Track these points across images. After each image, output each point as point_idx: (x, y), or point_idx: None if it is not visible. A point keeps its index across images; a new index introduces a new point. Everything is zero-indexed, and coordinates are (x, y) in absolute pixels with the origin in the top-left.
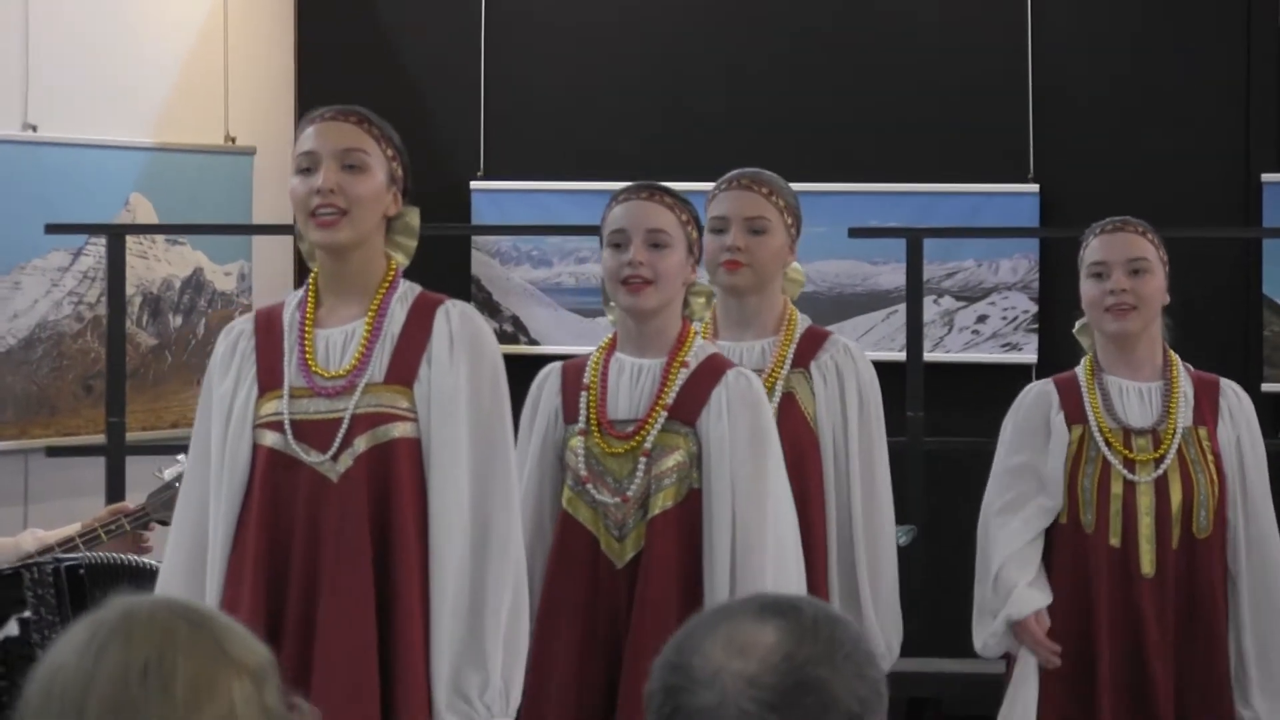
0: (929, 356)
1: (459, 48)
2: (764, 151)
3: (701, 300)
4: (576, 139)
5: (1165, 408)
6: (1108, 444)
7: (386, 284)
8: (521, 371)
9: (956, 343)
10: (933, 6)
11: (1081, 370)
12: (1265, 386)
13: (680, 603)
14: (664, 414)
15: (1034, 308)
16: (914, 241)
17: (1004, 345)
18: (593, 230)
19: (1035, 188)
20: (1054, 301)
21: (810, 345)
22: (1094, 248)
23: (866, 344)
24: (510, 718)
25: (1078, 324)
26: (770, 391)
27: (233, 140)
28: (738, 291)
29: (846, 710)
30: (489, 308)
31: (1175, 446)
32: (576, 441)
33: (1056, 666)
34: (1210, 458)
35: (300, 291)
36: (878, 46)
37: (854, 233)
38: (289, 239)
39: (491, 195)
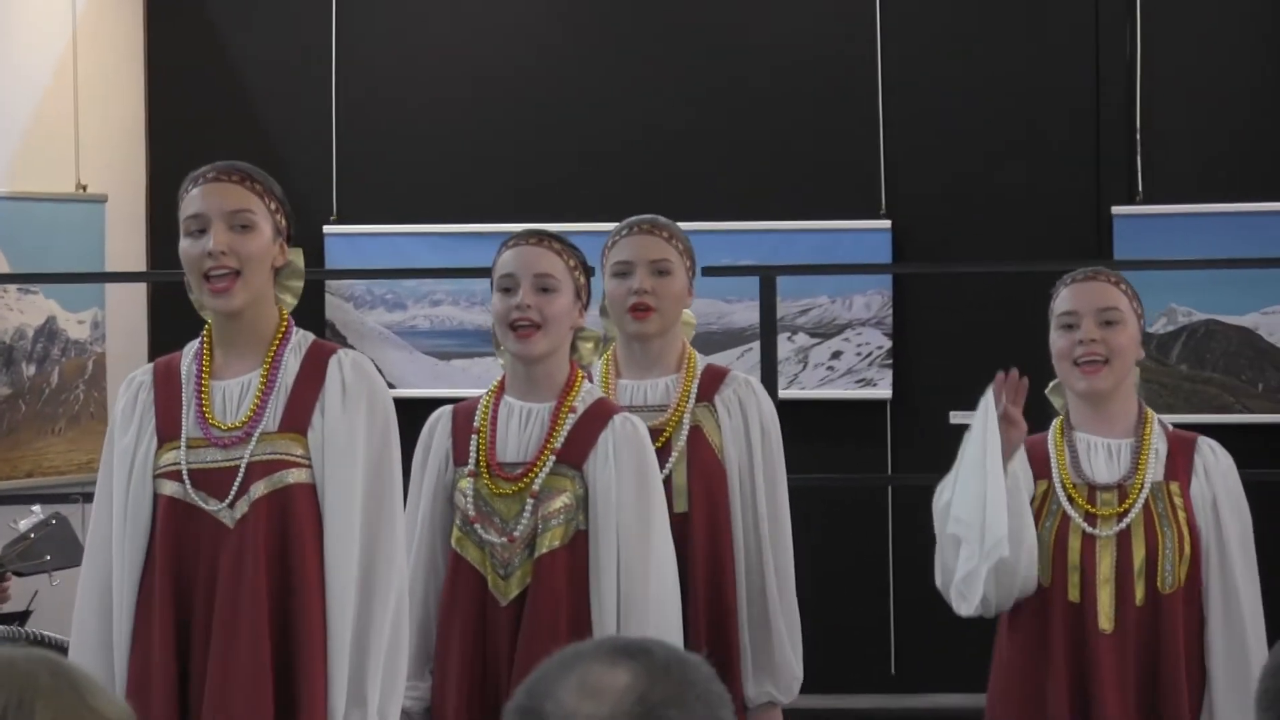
0: (784, 394)
1: (310, 93)
2: (617, 192)
3: (590, 345)
4: (430, 182)
5: (1134, 463)
6: (1069, 499)
7: (280, 335)
8: None
9: (811, 379)
10: (782, 46)
11: (1052, 431)
12: None
13: (566, 640)
14: (552, 457)
15: (888, 343)
16: (767, 279)
17: (859, 381)
18: (449, 273)
19: (887, 224)
20: (907, 337)
21: (711, 381)
22: (1064, 298)
23: None
24: None
25: (1050, 385)
26: (678, 425)
27: (84, 188)
28: (645, 337)
29: None
30: None
31: (1141, 501)
32: (465, 483)
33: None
34: (1181, 514)
35: (196, 343)
36: (728, 87)
37: (707, 271)
38: (142, 286)
39: (345, 239)
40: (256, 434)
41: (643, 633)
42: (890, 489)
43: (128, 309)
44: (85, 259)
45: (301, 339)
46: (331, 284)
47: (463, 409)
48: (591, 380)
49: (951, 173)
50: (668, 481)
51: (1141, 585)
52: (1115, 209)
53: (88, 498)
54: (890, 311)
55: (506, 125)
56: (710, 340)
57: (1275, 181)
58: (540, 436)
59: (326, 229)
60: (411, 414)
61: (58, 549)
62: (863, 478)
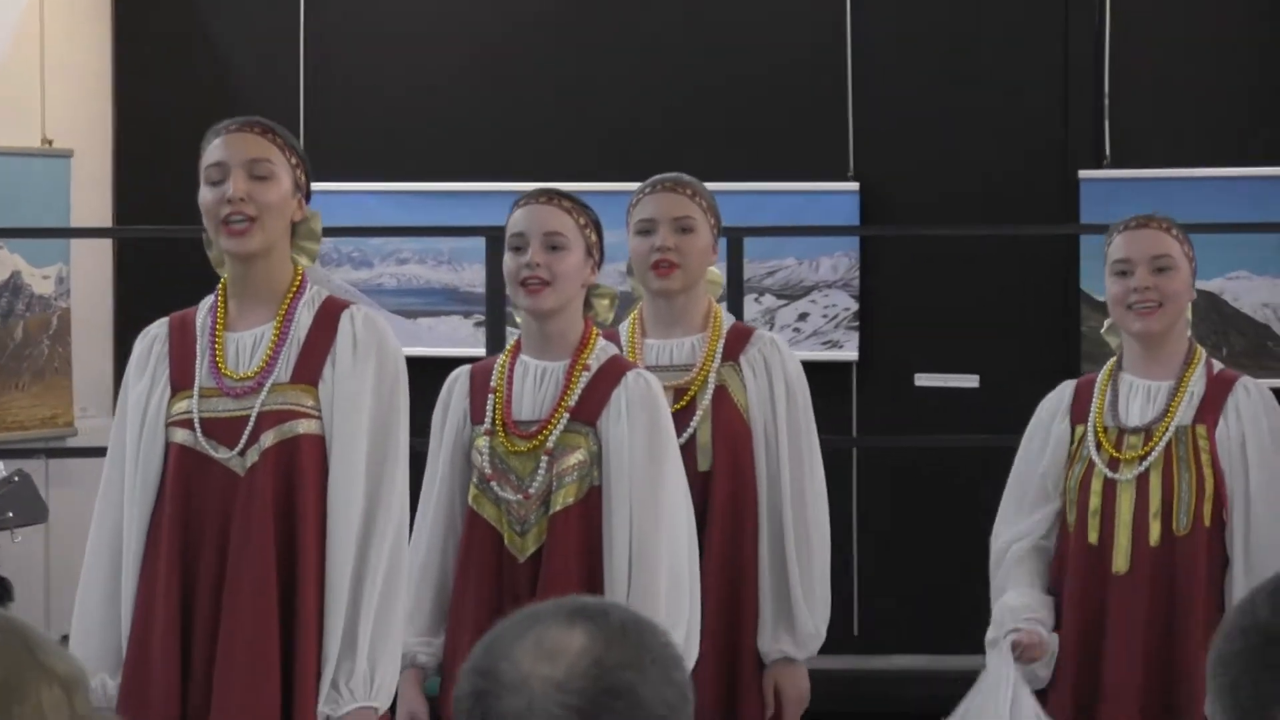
0: None
1: (279, 50)
2: (587, 153)
3: (605, 302)
4: (397, 140)
5: (1166, 406)
6: (1097, 444)
7: (294, 289)
8: None
9: None
10: (752, 8)
11: (1103, 372)
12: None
13: (581, 594)
14: (566, 415)
15: (854, 305)
16: (734, 240)
17: (825, 343)
18: (416, 231)
19: (855, 186)
20: (874, 299)
21: (737, 340)
22: (1118, 245)
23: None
24: (376, 702)
25: (1105, 324)
26: (703, 384)
27: (50, 143)
28: (669, 294)
29: (654, 714)
30: None
31: (1163, 444)
32: (482, 441)
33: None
34: (1205, 456)
35: (211, 297)
36: (698, 48)
37: None
38: (108, 242)
39: (313, 198)
40: (268, 384)
41: (655, 588)
42: (855, 451)
43: (92, 264)
44: (51, 214)
45: (315, 294)
46: None
47: (480, 368)
48: (619, 343)
49: (919, 136)
50: (692, 440)
51: (1157, 527)
52: (1082, 173)
53: (52, 454)
54: (857, 274)
55: (474, 84)
56: None
57: (1241, 146)
58: (555, 395)
59: None
60: None
61: (20, 506)
62: (828, 439)
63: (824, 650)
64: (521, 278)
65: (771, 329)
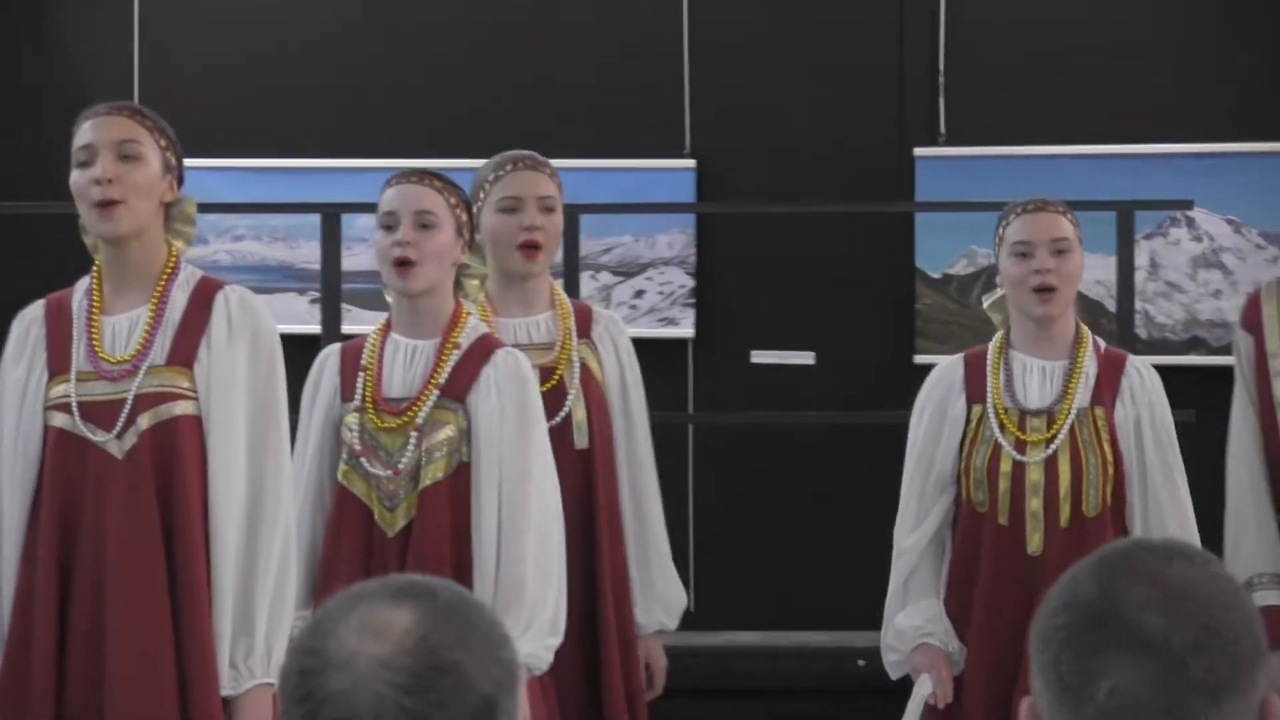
0: None
1: (112, 26)
2: (422, 130)
3: (475, 282)
4: (232, 117)
5: (1064, 388)
6: (1001, 426)
7: (168, 271)
8: None
9: None
10: None
11: (992, 348)
12: (918, 358)
13: (451, 569)
14: (436, 392)
15: (691, 282)
16: (570, 217)
17: (661, 320)
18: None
19: (692, 163)
20: (710, 276)
21: (583, 318)
22: (1016, 227)
23: None
24: (273, 678)
25: (988, 300)
26: (568, 362)
27: None
28: (531, 275)
29: (481, 693)
30: None
31: (1067, 427)
32: (352, 418)
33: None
34: (1106, 437)
35: (86, 280)
36: (533, 24)
37: None
38: None
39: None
40: (144, 367)
41: (523, 562)
42: (691, 428)
43: None
44: None
45: (190, 275)
46: None
47: (350, 347)
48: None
49: (756, 113)
50: (567, 419)
51: (1067, 509)
52: (918, 150)
53: None
54: (694, 251)
55: (312, 60)
56: None
57: (1076, 125)
58: (425, 372)
59: None
60: None
61: None
62: (665, 416)
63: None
64: (392, 256)
65: (608, 306)
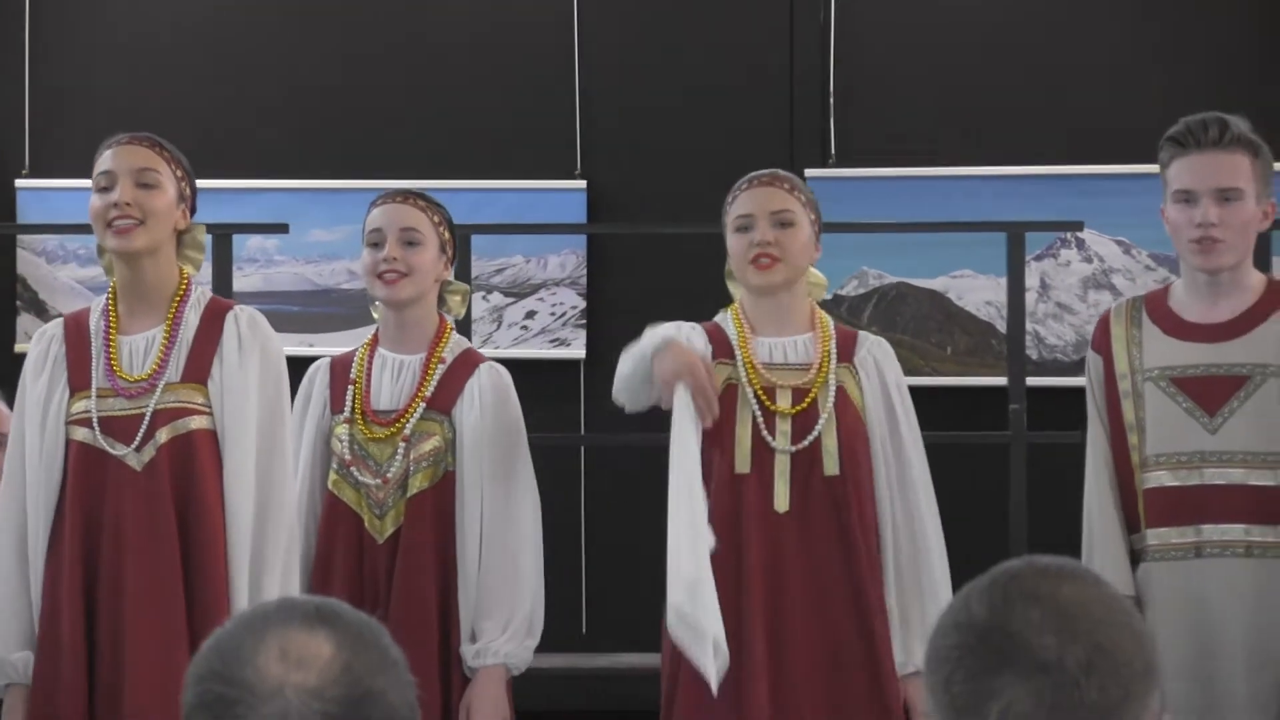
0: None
1: (3, 42)
2: (312, 147)
3: (458, 298)
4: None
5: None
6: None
7: (181, 293)
8: None
9: (506, 338)
10: (482, 3)
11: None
12: None
13: (437, 573)
14: (423, 404)
15: (582, 303)
16: (462, 238)
17: (553, 340)
18: None
19: (583, 184)
20: (602, 297)
21: (846, 341)
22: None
23: None
24: None
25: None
26: (823, 385)
27: None
28: (771, 290)
29: (400, 717)
30: (35, 307)
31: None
32: (342, 429)
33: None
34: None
35: (102, 300)
36: (425, 44)
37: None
38: None
39: (37, 193)
40: (161, 384)
41: (506, 566)
42: (583, 449)
43: None
44: None
45: (200, 295)
46: (23, 238)
47: (339, 361)
48: (724, 337)
49: (647, 134)
50: (816, 443)
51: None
52: (808, 171)
53: None
54: (584, 272)
55: (201, 78)
56: None
57: (966, 147)
58: (412, 385)
59: (18, 182)
60: None
61: None
62: (557, 438)
63: (553, 648)
64: (379, 270)
65: (499, 327)
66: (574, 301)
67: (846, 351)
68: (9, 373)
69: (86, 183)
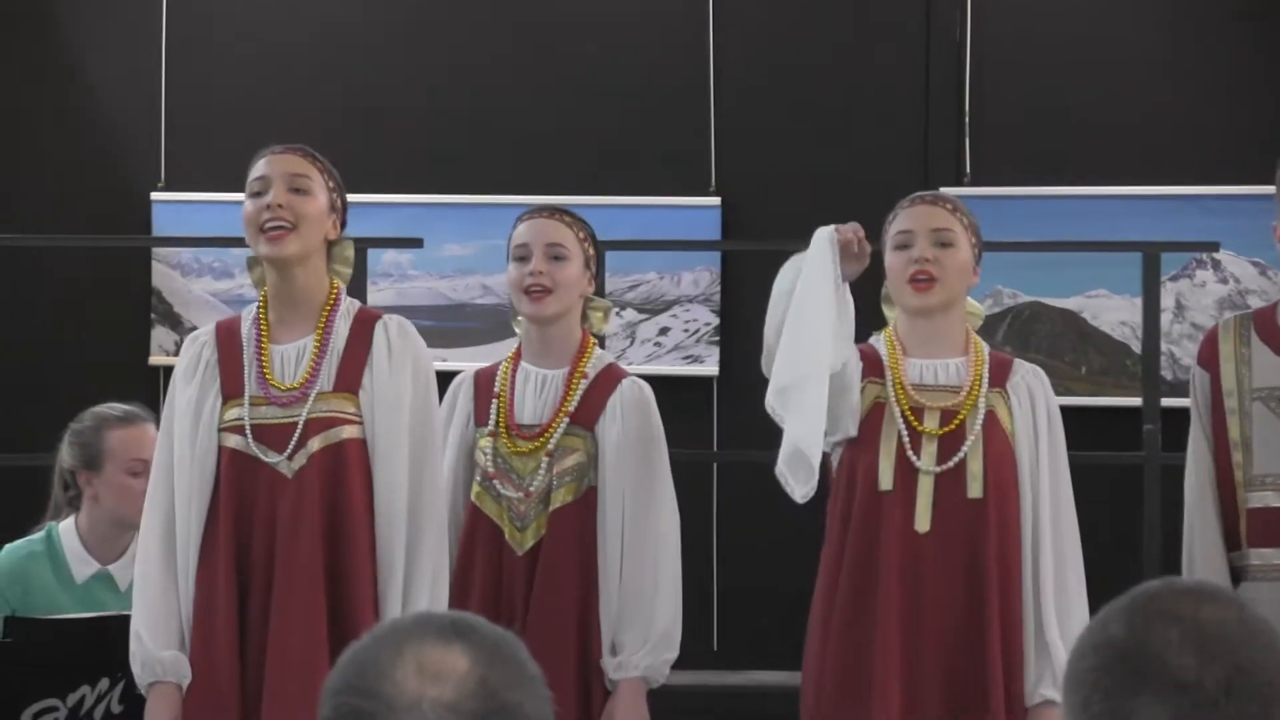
0: None
1: (140, 55)
2: (446, 162)
3: (599, 314)
4: (258, 150)
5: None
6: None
7: (331, 302)
8: None
9: (639, 355)
10: (615, 21)
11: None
12: None
13: (577, 586)
14: (566, 419)
15: (715, 320)
16: (597, 254)
17: (686, 357)
18: None
19: (717, 201)
20: (735, 314)
21: (1000, 367)
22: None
23: None
24: None
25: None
26: (973, 408)
27: None
28: (928, 311)
29: None
30: (170, 319)
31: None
32: (486, 442)
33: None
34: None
35: (253, 309)
36: (561, 60)
37: None
38: None
39: (173, 206)
40: (313, 393)
41: (645, 580)
42: (716, 466)
43: None
44: None
45: (350, 305)
46: (159, 251)
47: (484, 374)
48: (877, 357)
49: (781, 151)
50: (961, 465)
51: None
52: (943, 190)
53: None
54: (718, 289)
55: (335, 92)
56: None
57: (1102, 166)
58: (555, 401)
59: (154, 195)
60: None
61: None
62: (690, 454)
63: (684, 666)
64: (525, 285)
65: (632, 343)
66: (707, 318)
67: (1000, 377)
68: (146, 384)
69: (221, 196)
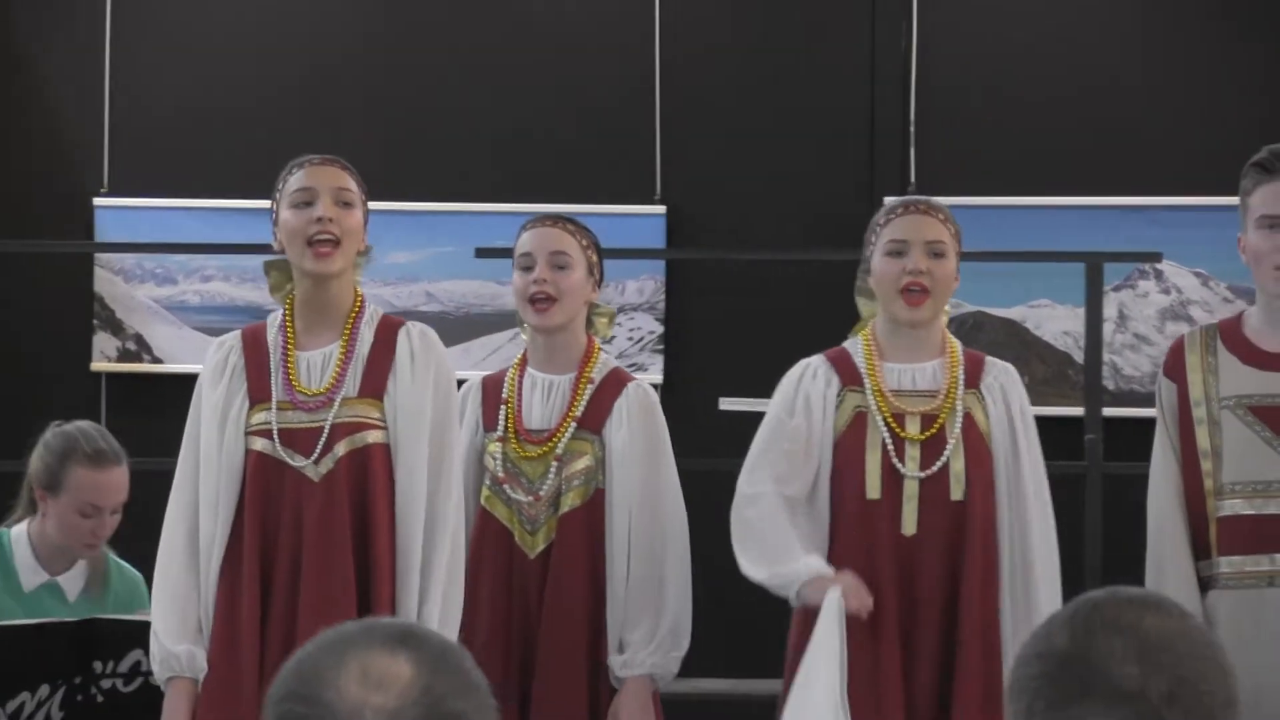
0: None
1: (84, 60)
2: (392, 169)
3: (604, 320)
4: (203, 156)
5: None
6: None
7: (356, 310)
8: (146, 389)
9: None
10: (560, 29)
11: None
12: None
13: (587, 587)
14: (574, 424)
15: (660, 328)
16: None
17: (630, 365)
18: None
19: (662, 209)
20: (680, 322)
21: (974, 367)
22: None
23: (493, 364)
24: None
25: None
26: (952, 412)
27: None
28: (918, 324)
29: None
30: (112, 325)
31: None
32: (495, 447)
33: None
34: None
35: (278, 315)
36: (507, 67)
37: (480, 253)
38: None
39: (115, 212)
40: (339, 399)
41: (653, 582)
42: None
43: None
44: None
45: (373, 313)
46: (101, 256)
47: (491, 380)
48: (851, 362)
49: (727, 160)
50: (944, 469)
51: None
52: (888, 199)
53: None
54: (663, 297)
55: (282, 101)
56: (483, 322)
57: (1046, 177)
58: (563, 406)
59: (97, 201)
60: (179, 389)
61: None
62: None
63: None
64: (530, 294)
65: None
66: (652, 326)
67: (974, 377)
68: (87, 392)
69: (165, 201)
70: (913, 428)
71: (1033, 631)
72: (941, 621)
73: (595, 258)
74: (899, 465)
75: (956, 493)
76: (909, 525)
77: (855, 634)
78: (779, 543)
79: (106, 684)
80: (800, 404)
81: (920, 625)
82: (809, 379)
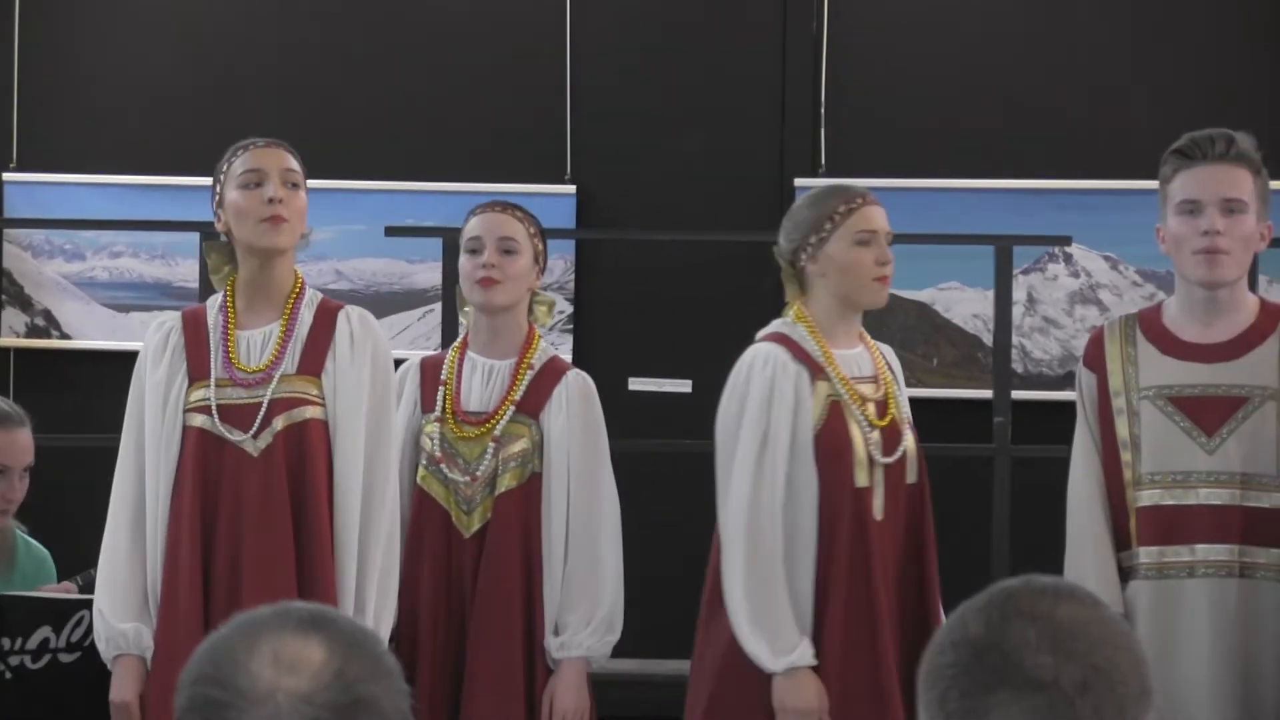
0: None
1: None
2: (302, 147)
3: (544, 308)
4: (113, 133)
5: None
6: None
7: (296, 291)
8: (52, 365)
9: None
10: (471, 8)
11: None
12: None
13: (521, 567)
14: (512, 408)
15: (569, 309)
16: (449, 241)
17: None
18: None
19: (572, 189)
20: (589, 303)
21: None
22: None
23: (402, 343)
24: None
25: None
26: (893, 397)
27: None
28: (878, 307)
29: None
30: (20, 301)
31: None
32: (432, 427)
33: None
34: None
35: (219, 297)
36: (416, 47)
37: (390, 231)
38: None
39: (24, 187)
40: (277, 375)
41: (589, 566)
42: None
43: None
44: None
45: (313, 295)
46: (9, 232)
47: (430, 361)
48: (804, 352)
49: (637, 139)
50: (904, 455)
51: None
52: (798, 180)
53: None
54: (572, 277)
55: (189, 77)
56: (392, 301)
57: (956, 159)
58: (502, 390)
59: (5, 176)
60: (88, 365)
61: None
62: None
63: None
64: (477, 276)
65: None
66: (561, 306)
67: (881, 361)
68: None
69: (74, 177)
70: (872, 414)
71: (948, 618)
72: (906, 602)
73: (540, 245)
74: (875, 453)
75: (911, 475)
76: (878, 510)
77: (856, 622)
78: (777, 606)
79: (15, 660)
80: (778, 399)
81: (902, 611)
82: (780, 373)
